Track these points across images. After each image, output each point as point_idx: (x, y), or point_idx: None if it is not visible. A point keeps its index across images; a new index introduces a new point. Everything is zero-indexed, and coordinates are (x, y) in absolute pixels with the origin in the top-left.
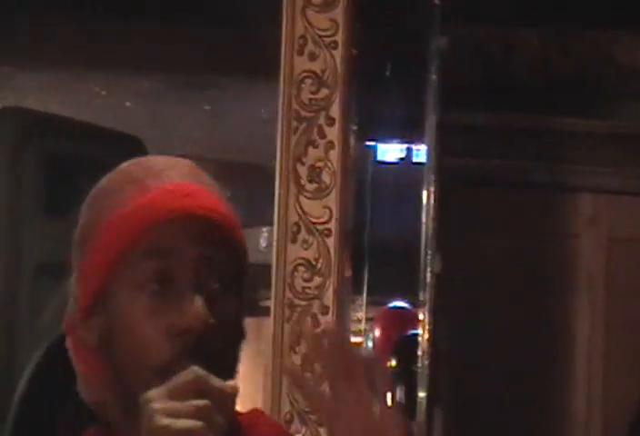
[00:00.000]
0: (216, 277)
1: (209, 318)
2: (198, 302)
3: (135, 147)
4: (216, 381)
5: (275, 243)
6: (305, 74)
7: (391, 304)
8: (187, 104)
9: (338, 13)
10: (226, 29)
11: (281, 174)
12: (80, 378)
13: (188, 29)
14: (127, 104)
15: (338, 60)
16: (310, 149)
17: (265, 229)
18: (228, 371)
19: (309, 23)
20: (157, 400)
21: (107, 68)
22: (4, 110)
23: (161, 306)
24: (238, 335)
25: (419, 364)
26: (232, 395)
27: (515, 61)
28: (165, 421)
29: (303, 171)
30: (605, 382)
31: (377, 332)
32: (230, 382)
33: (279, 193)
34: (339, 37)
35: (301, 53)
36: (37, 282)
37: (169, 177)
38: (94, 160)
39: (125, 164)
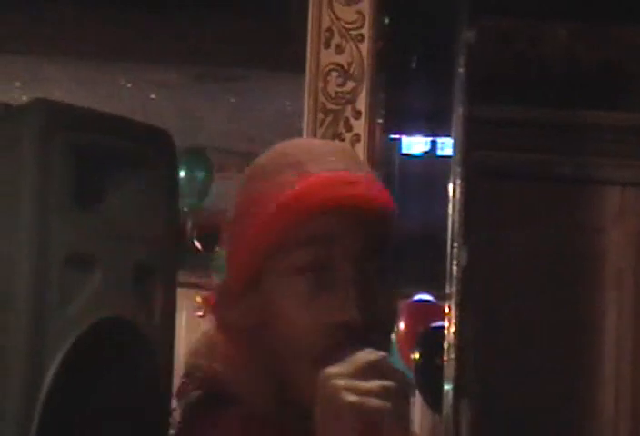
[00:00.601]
0: (375, 268)
1: (368, 313)
2: (358, 297)
3: (162, 139)
4: (394, 366)
5: None
6: (331, 67)
7: (416, 297)
8: (213, 97)
9: (364, 5)
10: (253, 22)
11: None
12: (225, 368)
13: (214, 22)
14: (152, 96)
15: (364, 53)
16: (337, 142)
17: None
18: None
19: (335, 15)
20: (341, 377)
21: (133, 61)
22: (31, 102)
23: (319, 295)
24: (392, 325)
25: (445, 357)
26: (408, 382)
27: (542, 54)
28: (353, 397)
29: None
30: (634, 376)
31: (402, 325)
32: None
33: None
34: (365, 30)
35: (327, 45)
36: (66, 273)
37: (330, 163)
38: (121, 152)
39: (282, 145)
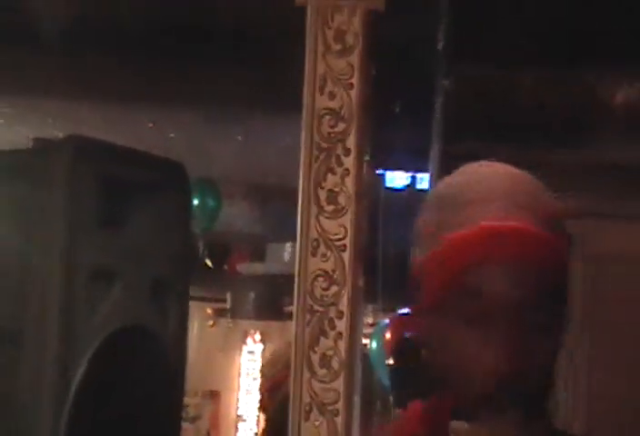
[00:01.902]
0: (533, 320)
1: (517, 364)
2: (513, 345)
3: (178, 171)
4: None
5: (297, 257)
6: (324, 111)
7: (400, 311)
8: (222, 135)
9: (354, 58)
10: (257, 71)
11: (303, 197)
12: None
13: (224, 71)
14: (171, 134)
15: (354, 99)
16: (329, 175)
17: (288, 244)
18: (535, 411)
19: (329, 66)
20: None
21: (154, 103)
22: (65, 137)
23: (480, 341)
24: (549, 379)
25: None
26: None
27: (511, 98)
28: None
29: (322, 194)
30: None
31: (387, 335)
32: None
33: (301, 213)
34: (355, 79)
35: (322, 92)
36: (91, 286)
37: (500, 210)
38: (141, 181)
39: (462, 170)
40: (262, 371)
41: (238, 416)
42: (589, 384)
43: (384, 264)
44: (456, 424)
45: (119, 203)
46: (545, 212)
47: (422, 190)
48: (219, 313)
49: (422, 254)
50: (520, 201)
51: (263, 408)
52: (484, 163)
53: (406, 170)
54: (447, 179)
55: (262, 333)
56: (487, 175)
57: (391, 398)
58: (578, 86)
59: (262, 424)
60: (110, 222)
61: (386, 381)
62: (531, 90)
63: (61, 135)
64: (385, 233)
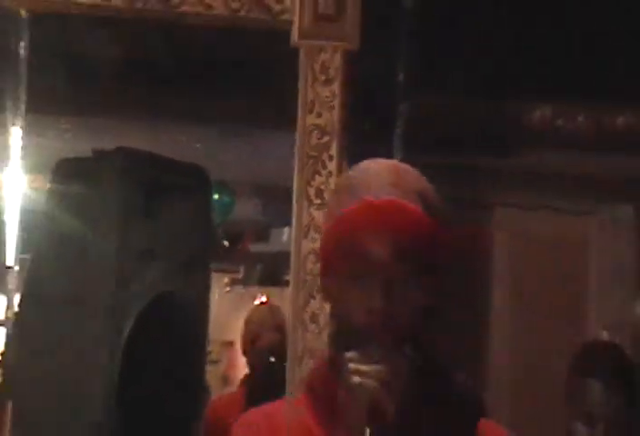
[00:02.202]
0: (405, 272)
1: (387, 302)
2: (381, 296)
3: (202, 174)
4: (393, 354)
5: (293, 239)
6: (313, 127)
7: None
8: (234, 147)
9: (335, 87)
10: (260, 95)
11: (297, 193)
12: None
13: (236, 96)
14: (198, 145)
15: (335, 117)
16: (316, 176)
17: (286, 229)
18: (408, 342)
19: (316, 93)
20: (353, 361)
21: (185, 121)
22: (115, 148)
23: (359, 288)
24: (418, 316)
25: None
26: (403, 364)
27: (455, 120)
28: (357, 379)
29: (311, 191)
30: None
31: None
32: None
33: (296, 205)
34: (336, 103)
35: (311, 112)
36: (139, 263)
37: (377, 186)
38: (174, 182)
39: (354, 167)
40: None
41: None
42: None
43: None
44: (350, 354)
45: (158, 200)
46: (417, 193)
47: None
48: (234, 282)
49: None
50: (396, 184)
51: (244, 353)
52: (373, 159)
53: None
54: (346, 173)
55: (267, 296)
56: (372, 167)
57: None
58: (505, 111)
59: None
60: (151, 215)
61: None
62: (471, 113)
63: (112, 147)
64: None
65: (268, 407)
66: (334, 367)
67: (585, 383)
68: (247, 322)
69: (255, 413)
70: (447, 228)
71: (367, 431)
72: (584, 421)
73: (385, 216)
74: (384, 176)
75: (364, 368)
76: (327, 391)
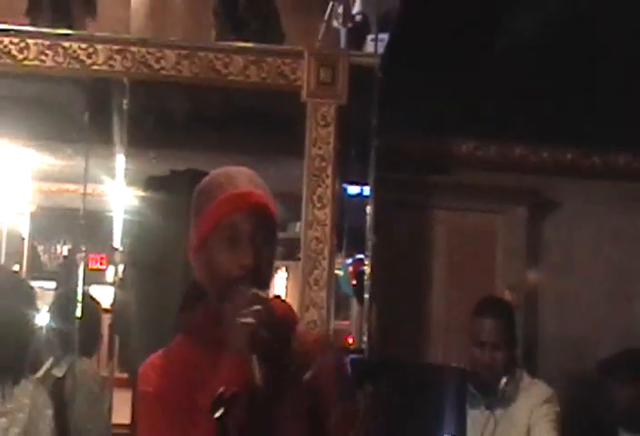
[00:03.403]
0: (262, 240)
1: (254, 260)
2: (251, 252)
3: None
4: (263, 294)
5: (302, 229)
6: (316, 155)
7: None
8: (265, 169)
9: (331, 129)
10: (275, 133)
11: (305, 199)
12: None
13: (253, 136)
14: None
15: (331, 150)
16: (318, 188)
17: (298, 223)
18: (267, 288)
19: (318, 133)
20: (235, 308)
21: (228, 153)
22: (185, 170)
23: (233, 252)
24: (271, 269)
25: None
26: (269, 304)
27: (409, 151)
28: (240, 319)
29: (315, 198)
30: None
31: (350, 269)
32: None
33: (304, 208)
34: (331, 139)
35: (314, 145)
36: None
37: (239, 184)
38: None
39: (215, 172)
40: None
41: None
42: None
43: (346, 233)
44: (231, 303)
45: None
46: (262, 187)
47: (366, 195)
48: None
49: (195, 219)
50: (250, 181)
51: None
52: (229, 167)
53: (357, 184)
54: (210, 175)
55: (285, 267)
56: (232, 170)
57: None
58: (442, 145)
59: None
60: None
61: (349, 292)
62: (420, 151)
63: (183, 169)
64: (345, 217)
65: (164, 352)
66: (215, 314)
67: (480, 322)
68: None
69: (157, 358)
70: (276, 208)
71: (254, 357)
72: (478, 347)
73: (248, 201)
74: (241, 176)
75: (244, 311)
76: (211, 331)
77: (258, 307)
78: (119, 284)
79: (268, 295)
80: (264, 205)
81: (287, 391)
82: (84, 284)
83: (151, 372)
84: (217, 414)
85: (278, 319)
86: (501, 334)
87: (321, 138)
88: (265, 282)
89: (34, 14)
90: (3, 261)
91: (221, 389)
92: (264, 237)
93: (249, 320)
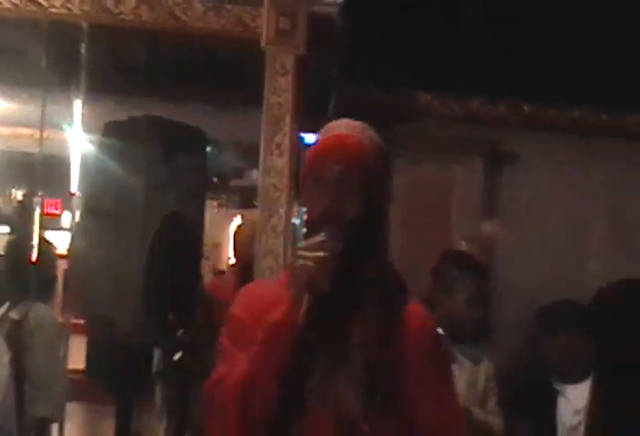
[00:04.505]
0: (349, 184)
1: (334, 202)
2: (331, 194)
3: (200, 133)
4: (330, 245)
5: (261, 177)
6: (274, 104)
7: None
8: (223, 116)
9: (289, 78)
10: (235, 83)
11: (264, 147)
12: None
13: (223, 83)
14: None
15: (289, 98)
16: (276, 136)
17: (254, 170)
18: (354, 237)
19: (277, 81)
20: (300, 249)
21: (193, 101)
22: (144, 116)
23: (318, 193)
24: (365, 215)
25: None
26: (333, 254)
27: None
28: (300, 261)
29: (273, 145)
30: None
31: (304, 217)
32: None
33: (262, 155)
34: (289, 88)
35: (273, 94)
36: (158, 194)
37: (332, 130)
38: (183, 139)
39: (330, 123)
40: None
41: (229, 257)
42: None
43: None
44: (298, 243)
45: (172, 151)
46: (367, 134)
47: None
48: (220, 205)
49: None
50: (352, 128)
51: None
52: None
53: (315, 133)
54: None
55: (241, 215)
56: (338, 121)
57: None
58: (401, 97)
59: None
60: (168, 161)
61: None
62: (378, 102)
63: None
64: (301, 166)
65: (263, 283)
66: None
67: (448, 269)
68: (236, 233)
69: (253, 285)
70: (384, 158)
71: (306, 297)
72: (445, 294)
73: (342, 143)
74: (344, 124)
75: (305, 254)
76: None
77: (320, 254)
78: (75, 229)
79: (335, 244)
80: (352, 147)
81: (345, 340)
82: (39, 229)
83: (242, 297)
84: (176, 357)
85: (345, 271)
86: (477, 282)
87: (280, 87)
88: (346, 228)
89: None
90: None
91: (179, 332)
92: (351, 182)
93: (307, 262)
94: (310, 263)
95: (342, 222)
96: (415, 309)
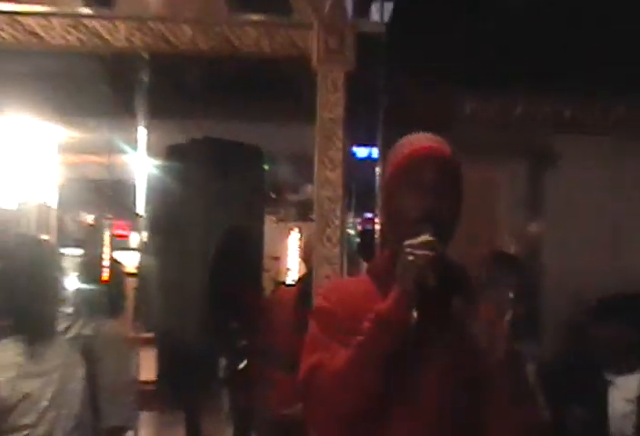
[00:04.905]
0: (443, 188)
1: (434, 203)
2: (431, 196)
3: (258, 150)
4: (438, 245)
5: (315, 192)
6: (327, 119)
7: (365, 215)
8: (277, 132)
9: (341, 95)
10: (288, 101)
11: (318, 161)
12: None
13: (279, 101)
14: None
15: (341, 113)
16: (329, 151)
17: (310, 185)
18: (445, 236)
19: (328, 98)
20: (409, 246)
21: (250, 120)
22: (203, 138)
23: (415, 195)
24: (452, 220)
25: None
26: (440, 252)
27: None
28: (411, 258)
29: (326, 160)
30: None
31: (359, 227)
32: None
33: (317, 169)
34: (341, 103)
35: (325, 109)
36: (216, 209)
37: (421, 141)
38: (241, 157)
39: (408, 136)
40: (301, 246)
41: (288, 269)
42: None
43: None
44: (408, 242)
45: (232, 168)
46: (447, 147)
47: (374, 159)
48: (278, 219)
49: (386, 169)
50: (435, 141)
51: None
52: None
53: (365, 146)
54: (401, 139)
55: (299, 228)
56: (415, 135)
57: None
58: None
59: (302, 270)
60: (227, 177)
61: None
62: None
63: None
64: (355, 179)
65: (346, 280)
66: (390, 257)
67: (493, 267)
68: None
69: (339, 281)
70: (460, 166)
71: (416, 292)
72: (489, 291)
73: (437, 153)
74: (425, 137)
75: (416, 251)
76: (385, 271)
77: (427, 252)
78: (143, 249)
79: (440, 244)
80: (445, 156)
81: (444, 334)
82: (109, 250)
83: (329, 292)
84: (241, 366)
85: (449, 267)
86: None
87: (331, 103)
88: (444, 230)
89: None
90: (34, 230)
91: (242, 342)
92: (444, 186)
93: (417, 259)
94: (420, 261)
95: (440, 225)
96: (488, 307)
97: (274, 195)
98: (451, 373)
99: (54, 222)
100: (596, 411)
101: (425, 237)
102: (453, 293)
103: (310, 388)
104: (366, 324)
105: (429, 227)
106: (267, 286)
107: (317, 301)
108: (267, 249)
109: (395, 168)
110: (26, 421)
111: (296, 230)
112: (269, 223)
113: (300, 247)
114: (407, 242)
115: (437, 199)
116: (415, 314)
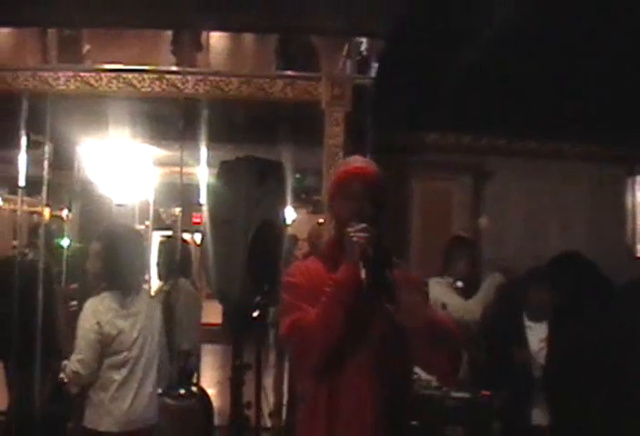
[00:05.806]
0: (375, 202)
1: (366, 210)
2: (364, 205)
3: (281, 165)
4: (371, 230)
5: (323, 192)
6: (332, 145)
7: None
8: (295, 153)
9: (341, 128)
10: (303, 132)
11: (325, 174)
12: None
13: (295, 135)
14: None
15: (341, 141)
16: (332, 168)
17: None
18: (373, 224)
19: (332, 130)
20: (352, 231)
21: (269, 144)
22: (245, 156)
23: (345, 203)
24: (376, 215)
25: None
26: (373, 234)
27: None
28: (354, 238)
29: (332, 174)
30: None
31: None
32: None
33: (325, 182)
34: (341, 134)
35: (331, 138)
36: (255, 208)
37: (353, 163)
38: (271, 169)
39: (347, 158)
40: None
41: None
42: None
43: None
44: (350, 228)
45: (265, 177)
46: (375, 166)
47: None
48: (309, 212)
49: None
50: (366, 162)
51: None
52: (351, 157)
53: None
54: (342, 160)
55: (324, 218)
56: (353, 157)
57: None
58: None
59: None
60: (260, 184)
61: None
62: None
63: (243, 155)
64: None
65: (303, 262)
66: (334, 244)
67: (452, 247)
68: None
69: (299, 263)
70: (385, 181)
71: (361, 263)
72: (451, 263)
73: (363, 172)
74: (356, 159)
75: (357, 234)
76: (331, 254)
77: (366, 234)
78: (203, 232)
79: (372, 229)
80: (369, 174)
81: (384, 296)
82: (184, 232)
83: (294, 270)
84: (255, 314)
85: (381, 246)
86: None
87: (334, 133)
88: (371, 222)
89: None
90: (137, 219)
91: (257, 298)
92: (367, 194)
93: (360, 239)
94: (361, 241)
95: (367, 218)
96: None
97: (303, 196)
98: (387, 327)
99: (150, 213)
100: (521, 346)
101: (362, 225)
102: (384, 265)
103: (295, 335)
104: (327, 289)
105: (358, 221)
106: (298, 258)
107: (285, 278)
108: (300, 233)
109: (334, 182)
110: (123, 347)
111: (321, 220)
112: (302, 215)
113: (309, 233)
114: (350, 229)
115: (364, 204)
116: (363, 274)
